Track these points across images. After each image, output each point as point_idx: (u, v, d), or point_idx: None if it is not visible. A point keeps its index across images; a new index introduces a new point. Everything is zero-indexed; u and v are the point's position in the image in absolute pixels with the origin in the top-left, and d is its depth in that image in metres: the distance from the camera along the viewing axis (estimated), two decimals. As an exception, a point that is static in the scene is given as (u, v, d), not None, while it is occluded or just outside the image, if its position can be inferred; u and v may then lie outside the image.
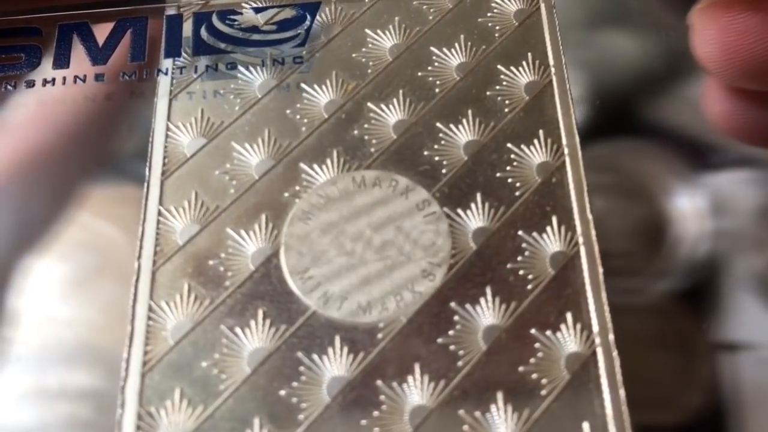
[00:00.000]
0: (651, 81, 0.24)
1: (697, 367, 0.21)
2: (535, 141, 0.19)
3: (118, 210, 0.19)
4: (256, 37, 0.21)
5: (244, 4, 0.21)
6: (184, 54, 0.20)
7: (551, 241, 0.18)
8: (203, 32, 0.21)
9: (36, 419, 0.17)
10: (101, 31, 0.21)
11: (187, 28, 0.21)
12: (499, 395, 0.16)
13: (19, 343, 0.18)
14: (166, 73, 0.20)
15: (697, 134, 0.23)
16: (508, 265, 0.17)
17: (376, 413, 0.16)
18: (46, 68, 0.21)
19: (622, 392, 0.16)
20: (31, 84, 0.20)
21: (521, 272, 0.17)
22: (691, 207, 0.23)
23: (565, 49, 0.20)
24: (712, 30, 0.18)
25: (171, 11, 0.21)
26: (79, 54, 0.21)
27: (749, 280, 0.22)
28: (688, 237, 0.22)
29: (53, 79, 0.20)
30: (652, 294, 0.22)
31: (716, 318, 0.21)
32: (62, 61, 0.21)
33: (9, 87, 0.20)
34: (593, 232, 0.18)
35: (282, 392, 0.16)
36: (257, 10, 0.21)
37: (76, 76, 0.20)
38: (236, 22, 0.21)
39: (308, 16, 0.21)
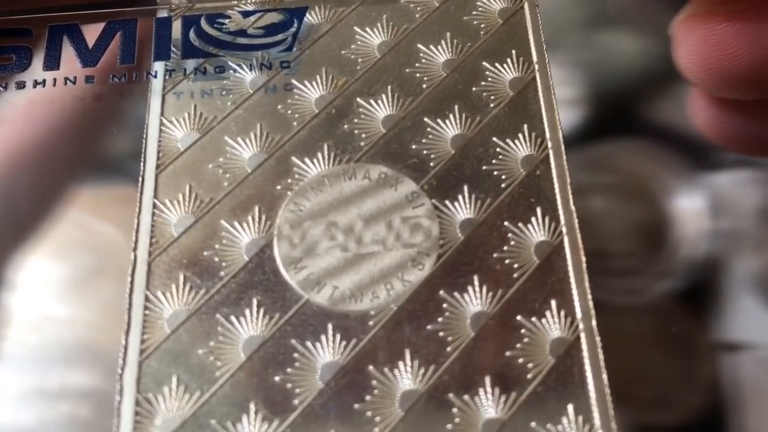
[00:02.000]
0: (651, 81, 0.24)
1: (697, 367, 0.21)
2: (520, 135, 0.19)
3: (116, 209, 0.20)
4: (243, 40, 0.21)
5: (235, 7, 0.21)
6: (173, 56, 0.21)
7: (536, 232, 0.18)
8: (192, 35, 0.21)
9: (35, 419, 0.18)
10: (91, 33, 0.21)
11: (176, 30, 0.21)
12: (487, 379, 0.17)
13: (18, 343, 0.18)
14: (155, 76, 0.21)
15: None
16: (495, 255, 0.18)
17: (368, 397, 0.16)
18: (37, 69, 0.21)
19: (604, 375, 0.17)
20: (21, 85, 0.21)
21: (507, 261, 0.18)
22: (691, 207, 0.23)
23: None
24: (692, 41, 0.18)
25: (162, 14, 0.22)
26: (69, 55, 0.21)
27: (749, 280, 0.22)
28: (688, 237, 0.22)
29: (44, 81, 0.21)
30: (652, 294, 0.22)
31: (716, 318, 0.22)
32: (52, 62, 0.21)
33: (0, 88, 0.21)
34: (576, 222, 0.18)
35: (277, 378, 0.17)
36: (245, 14, 0.21)
37: (66, 78, 0.21)
38: (224, 26, 0.21)
39: (295, 21, 0.21)
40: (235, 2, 0.21)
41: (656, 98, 0.24)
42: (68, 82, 0.21)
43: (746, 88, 0.18)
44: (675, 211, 0.23)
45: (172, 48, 0.21)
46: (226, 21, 0.21)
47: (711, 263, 0.22)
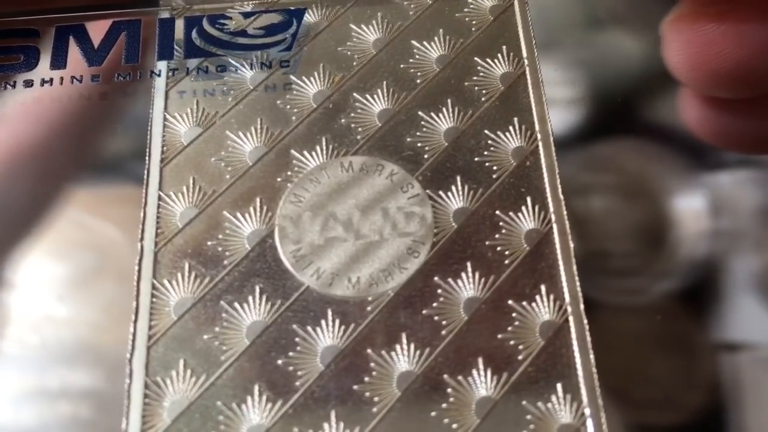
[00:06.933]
0: (651, 81, 0.24)
1: (697, 367, 0.21)
2: (510, 128, 0.20)
3: (117, 209, 0.20)
4: (244, 40, 0.22)
5: (235, 7, 0.22)
6: (175, 56, 0.21)
7: (526, 220, 0.19)
8: (194, 35, 0.22)
9: (36, 419, 0.18)
10: (96, 33, 0.22)
11: (179, 31, 0.22)
12: (480, 361, 0.17)
13: (19, 342, 0.19)
14: (159, 75, 0.21)
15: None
16: (487, 242, 0.19)
17: (366, 379, 0.17)
18: (44, 69, 0.21)
19: (591, 356, 0.17)
20: (29, 84, 0.21)
21: (499, 248, 0.19)
22: (691, 207, 0.23)
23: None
24: (680, 41, 0.18)
25: (165, 15, 0.22)
26: (75, 55, 0.22)
27: (749, 280, 0.22)
28: (688, 237, 0.22)
29: (51, 79, 0.21)
30: (652, 294, 0.22)
31: (716, 318, 0.21)
32: (59, 61, 0.22)
33: (8, 86, 0.21)
34: (564, 211, 0.19)
35: (279, 361, 0.17)
36: (246, 15, 0.22)
37: (72, 77, 0.21)
38: (226, 26, 0.22)
39: (295, 21, 0.22)
40: (236, 3, 0.22)
41: (656, 98, 0.24)
42: (74, 80, 0.21)
43: (733, 86, 0.19)
44: (675, 211, 0.23)
45: (175, 47, 0.22)
46: (228, 21, 0.22)
47: (711, 263, 0.22)
